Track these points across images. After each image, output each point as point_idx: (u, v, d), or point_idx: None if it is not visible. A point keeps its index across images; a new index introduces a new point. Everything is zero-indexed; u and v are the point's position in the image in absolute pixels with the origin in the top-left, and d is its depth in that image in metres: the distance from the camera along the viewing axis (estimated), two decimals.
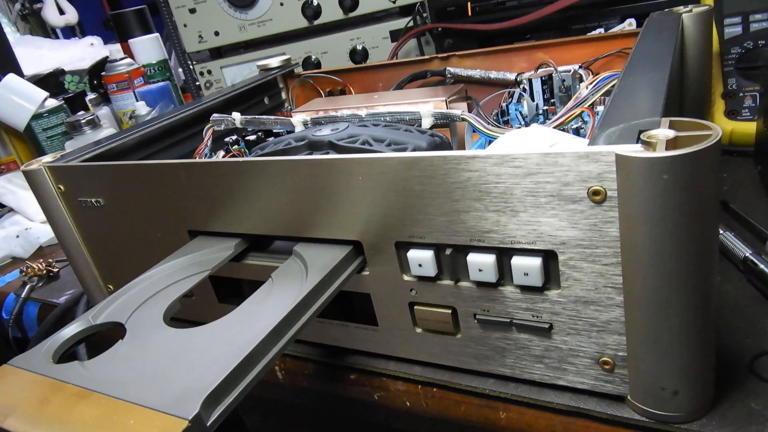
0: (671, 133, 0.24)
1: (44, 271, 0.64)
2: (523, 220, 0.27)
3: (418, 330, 0.34)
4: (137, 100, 0.91)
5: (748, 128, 0.51)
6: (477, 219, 0.28)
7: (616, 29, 0.69)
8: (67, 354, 0.31)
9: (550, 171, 0.25)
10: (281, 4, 0.87)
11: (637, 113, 0.27)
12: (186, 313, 0.44)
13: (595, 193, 0.25)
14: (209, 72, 0.93)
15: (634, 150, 0.23)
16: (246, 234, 0.38)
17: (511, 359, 0.32)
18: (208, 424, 0.23)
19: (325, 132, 0.42)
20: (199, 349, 0.27)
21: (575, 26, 0.72)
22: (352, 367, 0.38)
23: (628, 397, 0.29)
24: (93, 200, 0.43)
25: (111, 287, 0.49)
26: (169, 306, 0.33)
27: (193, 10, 0.90)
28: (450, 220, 0.29)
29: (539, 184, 0.26)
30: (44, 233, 0.73)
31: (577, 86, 0.50)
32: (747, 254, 0.36)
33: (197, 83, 0.96)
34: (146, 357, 0.28)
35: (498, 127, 0.39)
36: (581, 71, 0.51)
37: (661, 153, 0.22)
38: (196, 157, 0.53)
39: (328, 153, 0.41)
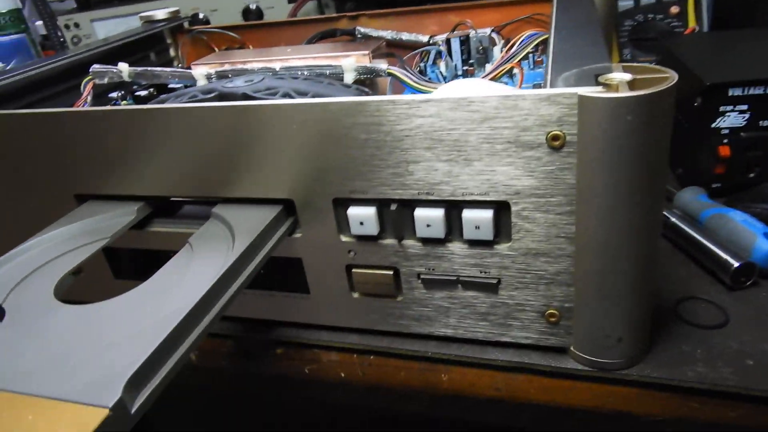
0: (628, 76, 0.23)
1: None
2: (476, 169, 0.26)
3: (355, 295, 0.32)
4: None
5: None
6: (427, 170, 0.26)
7: None
8: None
9: (509, 115, 0.24)
10: None
11: (586, 60, 0.27)
12: (72, 293, 0.37)
13: (554, 138, 0.24)
14: (77, 25, 0.81)
15: (597, 91, 0.22)
16: (150, 197, 0.33)
17: (454, 319, 0.31)
18: (133, 411, 0.19)
19: (238, 83, 0.37)
20: (111, 326, 0.23)
21: None
22: (279, 340, 0.35)
23: (571, 348, 0.29)
24: None
25: None
26: (60, 280, 0.27)
27: None
28: (396, 173, 0.27)
29: (496, 130, 0.24)
30: None
31: (491, 49, 0.50)
32: None
33: (62, 39, 0.84)
34: (38, 341, 0.23)
35: (427, 81, 0.37)
36: (494, 35, 0.51)
37: (626, 93, 0.22)
38: None
39: None
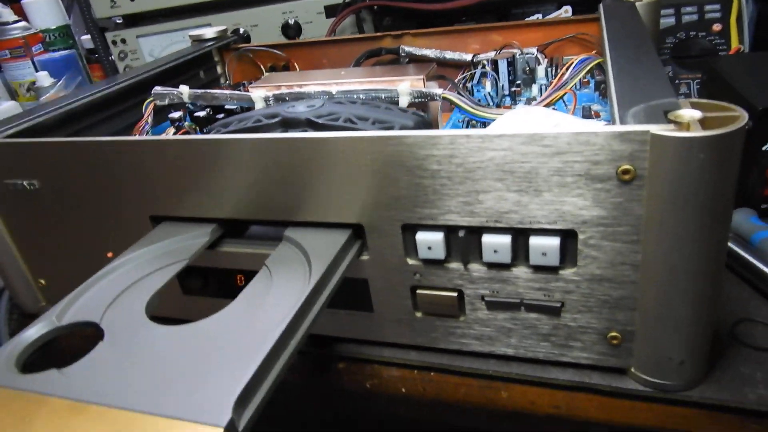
0: (698, 114, 0.24)
1: None
2: (545, 199, 0.27)
3: (418, 314, 0.33)
4: (37, 70, 0.80)
5: None
6: (496, 199, 0.28)
7: (553, 15, 0.71)
8: (29, 362, 0.27)
9: (580, 150, 0.25)
10: None
11: (651, 95, 0.28)
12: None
13: (625, 172, 0.25)
14: (123, 41, 0.84)
15: (669, 129, 0.24)
16: (223, 219, 0.35)
17: (515, 339, 0.32)
18: (241, 429, 0.21)
19: (300, 108, 0.39)
20: (210, 347, 0.24)
21: (514, 11, 0.73)
22: (340, 356, 0.36)
23: (632, 369, 0.30)
24: (25, 182, 0.38)
25: (43, 282, 0.43)
26: (150, 300, 0.29)
27: None
28: (466, 201, 0.28)
29: (567, 164, 0.26)
30: None
31: (536, 69, 0.52)
32: None
33: (110, 55, 0.86)
34: (142, 360, 0.24)
35: (483, 107, 0.39)
36: (538, 54, 0.52)
37: (699, 133, 0.23)
38: (136, 134, 0.48)
39: (306, 131, 0.38)
